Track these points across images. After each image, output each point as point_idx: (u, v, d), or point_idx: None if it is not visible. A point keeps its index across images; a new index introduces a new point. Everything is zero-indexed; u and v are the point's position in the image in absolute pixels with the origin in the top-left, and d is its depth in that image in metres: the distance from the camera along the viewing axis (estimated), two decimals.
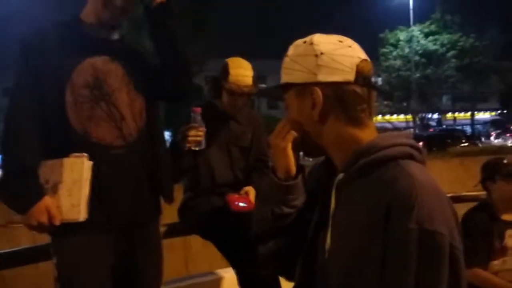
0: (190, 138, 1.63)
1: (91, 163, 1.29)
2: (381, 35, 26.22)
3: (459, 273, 0.71)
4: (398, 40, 25.46)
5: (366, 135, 0.83)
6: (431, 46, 24.69)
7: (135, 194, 1.39)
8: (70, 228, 1.27)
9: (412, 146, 0.81)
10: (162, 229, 1.90)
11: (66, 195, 1.27)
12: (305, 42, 0.85)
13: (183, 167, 1.88)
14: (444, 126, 31.22)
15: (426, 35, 25.10)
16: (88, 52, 1.36)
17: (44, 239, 1.40)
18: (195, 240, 4.62)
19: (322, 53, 0.82)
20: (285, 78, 0.87)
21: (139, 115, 1.42)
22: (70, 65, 1.33)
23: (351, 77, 0.82)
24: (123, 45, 1.47)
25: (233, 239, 1.83)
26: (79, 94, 1.32)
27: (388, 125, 32.61)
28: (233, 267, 1.86)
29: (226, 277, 2.06)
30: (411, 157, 0.79)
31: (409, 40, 24.92)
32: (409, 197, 0.71)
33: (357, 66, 0.82)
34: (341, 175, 0.82)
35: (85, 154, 1.29)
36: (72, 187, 1.27)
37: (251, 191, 1.93)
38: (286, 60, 0.87)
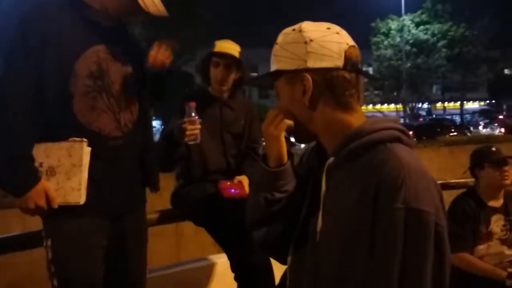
0: (188, 133, 1.65)
1: (89, 148, 1.30)
2: (372, 24, 26.20)
3: (443, 251, 0.73)
4: (389, 29, 25.47)
5: (355, 120, 0.85)
6: (422, 36, 24.75)
7: (129, 183, 1.43)
8: (65, 212, 1.28)
9: (399, 130, 0.83)
10: (155, 216, 1.92)
11: (64, 178, 1.28)
12: (294, 30, 0.87)
13: (177, 157, 1.89)
14: (433, 116, 31.53)
15: (417, 25, 25.13)
16: (93, 40, 1.35)
17: (36, 224, 1.40)
18: (187, 227, 4.64)
19: (311, 40, 0.83)
20: (275, 65, 0.88)
21: (134, 106, 1.44)
22: (76, 53, 1.31)
23: (339, 63, 0.83)
24: (124, 33, 1.48)
25: (226, 225, 1.85)
26: (83, 84, 1.32)
27: (379, 115, 32.73)
28: (226, 253, 1.88)
29: (219, 263, 2.09)
30: (398, 140, 0.82)
31: (400, 30, 24.94)
32: (397, 178, 0.73)
33: (345, 52, 0.84)
34: (331, 159, 0.84)
35: (85, 139, 1.30)
36: (70, 171, 1.28)
37: (244, 179, 1.95)
38: (276, 48, 0.88)
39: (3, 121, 1.26)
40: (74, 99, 1.31)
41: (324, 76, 0.83)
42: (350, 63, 0.84)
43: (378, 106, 29.45)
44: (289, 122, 0.89)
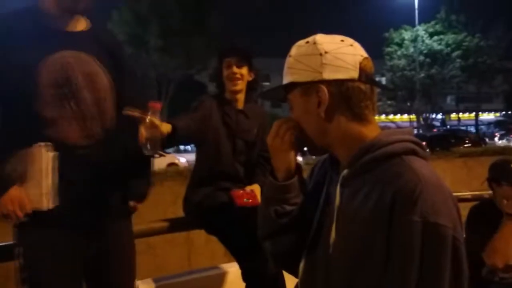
0: (145, 138, 1.32)
1: (52, 153, 1.27)
2: (386, 34, 26.14)
3: (461, 265, 0.72)
4: (403, 40, 25.37)
5: (370, 131, 0.85)
6: (436, 46, 24.58)
7: (101, 193, 1.37)
8: (35, 221, 1.27)
9: (414, 142, 0.83)
10: (166, 224, 1.93)
11: (33, 185, 1.27)
12: (307, 42, 0.88)
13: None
14: (448, 127, 31.11)
15: (431, 35, 24.99)
16: (55, 47, 1.30)
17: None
18: (198, 236, 4.64)
19: (326, 52, 0.84)
20: (289, 77, 0.88)
21: (105, 114, 1.37)
22: (36, 62, 1.28)
23: (355, 74, 0.84)
24: (91, 37, 1.39)
25: (238, 234, 1.85)
26: (46, 93, 1.29)
27: (392, 125, 32.52)
28: (238, 262, 1.87)
29: (230, 272, 2.08)
30: (414, 152, 0.81)
31: (414, 40, 24.82)
32: (413, 191, 0.72)
33: (360, 63, 0.84)
34: (345, 171, 0.84)
35: (48, 143, 1.27)
36: (38, 176, 1.27)
37: (256, 188, 1.95)
38: (290, 60, 0.88)
39: None
40: (38, 108, 1.29)
41: (340, 87, 0.84)
42: (364, 75, 0.84)
43: (391, 116, 29.22)
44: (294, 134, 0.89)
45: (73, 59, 1.33)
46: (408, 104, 26.82)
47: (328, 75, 0.83)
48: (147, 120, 1.30)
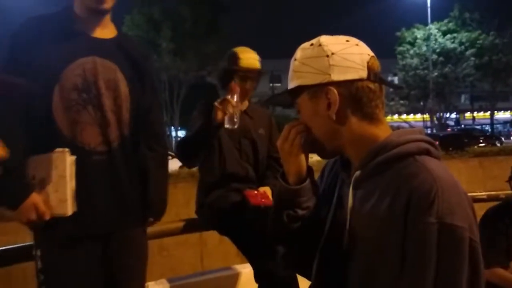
0: (228, 111, 1.70)
1: (73, 157, 1.29)
2: (398, 33, 25.88)
3: (477, 267, 0.71)
4: (416, 39, 25.08)
5: (382, 132, 0.84)
6: (449, 45, 24.23)
7: (117, 199, 1.38)
8: (53, 224, 1.28)
9: (427, 142, 0.82)
10: (180, 225, 1.94)
11: (53, 190, 1.28)
12: (312, 44, 0.86)
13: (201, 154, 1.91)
14: (462, 126, 30.65)
15: (444, 33, 24.65)
16: (79, 52, 1.33)
17: None
18: (211, 237, 4.66)
19: (333, 53, 0.83)
20: (296, 81, 0.87)
21: (122, 122, 1.39)
22: (60, 66, 1.30)
23: (363, 74, 0.83)
24: (117, 46, 1.42)
25: (251, 235, 1.85)
26: (67, 97, 1.30)
27: (405, 125, 32.18)
28: (251, 263, 1.88)
29: (243, 272, 2.09)
30: (427, 152, 0.80)
31: (427, 39, 24.51)
32: (429, 191, 0.71)
33: (368, 62, 0.84)
34: (357, 173, 0.83)
35: (67, 149, 1.28)
36: (58, 183, 1.28)
37: (268, 190, 1.96)
38: (296, 64, 0.87)
39: None
40: (58, 112, 1.30)
41: (349, 88, 0.82)
42: (373, 74, 0.84)
43: (404, 116, 28.91)
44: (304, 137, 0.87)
45: (97, 65, 1.35)
46: (421, 103, 26.50)
47: (337, 76, 0.82)
48: (230, 99, 1.69)
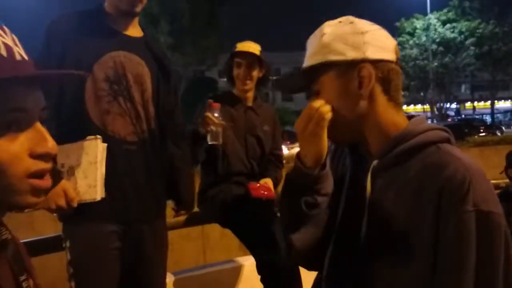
0: (210, 128, 1.70)
1: (105, 145, 1.32)
2: (397, 23, 25.75)
3: (509, 252, 0.71)
4: (415, 29, 24.96)
5: (402, 119, 0.82)
6: (449, 34, 24.11)
7: (145, 189, 1.42)
8: (81, 215, 1.31)
9: (445, 130, 0.81)
10: (182, 218, 1.95)
11: (82, 177, 1.30)
12: (341, 22, 0.82)
13: (200, 156, 1.93)
14: (462, 116, 30.59)
15: (444, 23, 24.51)
16: (110, 46, 1.39)
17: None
18: (213, 231, 4.68)
19: (366, 31, 0.79)
20: (324, 57, 0.80)
21: (152, 115, 1.44)
22: (92, 58, 1.35)
23: (393, 56, 0.81)
24: (144, 44, 1.48)
25: (253, 227, 1.87)
26: (99, 88, 1.35)
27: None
28: (253, 255, 1.90)
29: (245, 265, 2.10)
30: (448, 140, 0.79)
31: (426, 29, 24.38)
32: (463, 180, 0.71)
33: (395, 48, 0.82)
34: (376, 161, 0.80)
35: (99, 136, 1.31)
36: (87, 169, 1.30)
37: (269, 182, 1.98)
38: (324, 38, 0.80)
39: None
40: (90, 102, 1.34)
41: (382, 68, 0.79)
42: (398, 59, 0.82)
43: (404, 107, 28.83)
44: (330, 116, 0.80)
45: (126, 59, 1.40)
46: (422, 94, 26.43)
47: (372, 54, 0.78)
48: (211, 116, 1.68)
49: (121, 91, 1.39)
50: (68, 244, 1.35)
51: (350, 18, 0.82)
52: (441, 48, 24.16)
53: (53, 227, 1.56)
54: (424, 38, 24.50)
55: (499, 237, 0.70)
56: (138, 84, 1.42)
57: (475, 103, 33.86)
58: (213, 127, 1.68)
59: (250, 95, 2.06)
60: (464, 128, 16.67)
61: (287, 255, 0.93)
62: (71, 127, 1.34)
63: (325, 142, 0.82)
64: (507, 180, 2.28)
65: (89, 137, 1.32)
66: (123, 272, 1.40)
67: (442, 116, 26.29)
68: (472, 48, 23.88)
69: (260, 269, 1.84)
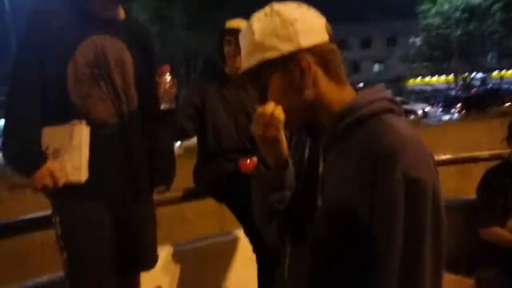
0: (161, 88, 1.54)
1: (89, 128, 1.38)
2: None
3: (439, 220, 0.73)
4: None
5: (347, 94, 0.84)
6: (474, 0, 23.02)
7: (128, 169, 1.47)
8: (71, 192, 1.38)
9: (389, 100, 0.83)
10: (179, 194, 2.02)
11: (67, 159, 1.37)
12: (266, 14, 0.82)
13: (186, 131, 1.96)
14: (489, 86, 29.46)
15: None
16: (91, 30, 1.41)
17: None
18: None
19: (295, 19, 0.80)
20: (260, 56, 0.82)
21: (134, 97, 1.48)
22: (74, 42, 1.38)
23: (326, 37, 0.82)
24: (126, 27, 1.50)
25: (244, 202, 1.91)
26: (80, 72, 1.38)
27: (428, 87, 31.14)
28: (243, 227, 1.96)
29: (241, 237, 2.16)
30: (390, 111, 0.81)
31: None
32: (395, 149, 0.73)
33: (326, 26, 0.83)
34: (326, 138, 0.84)
35: (83, 121, 1.37)
36: (72, 152, 1.37)
37: None
38: (256, 38, 0.81)
39: (16, 107, 1.38)
40: (71, 86, 1.38)
41: (318, 52, 0.81)
42: (331, 36, 0.83)
43: (427, 79, 28.01)
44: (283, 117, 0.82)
45: (107, 43, 1.42)
46: (445, 65, 25.56)
47: (305, 42, 0.79)
48: (166, 79, 1.54)
49: (102, 75, 1.41)
50: (57, 219, 1.41)
51: (275, 7, 0.82)
52: (465, 15, 23.13)
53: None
54: (447, 6, 23.48)
55: (427, 204, 0.72)
56: (119, 68, 1.45)
57: (503, 72, 32.49)
58: (161, 90, 1.56)
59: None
60: (488, 99, 16.10)
61: (266, 240, 0.98)
62: (55, 110, 1.39)
63: (284, 142, 0.85)
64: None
65: (74, 121, 1.37)
66: (114, 246, 1.46)
67: (466, 86, 25.42)
68: (498, 14, 22.75)
69: (251, 239, 1.90)
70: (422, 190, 0.72)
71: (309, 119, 0.86)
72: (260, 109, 0.83)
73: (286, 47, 0.80)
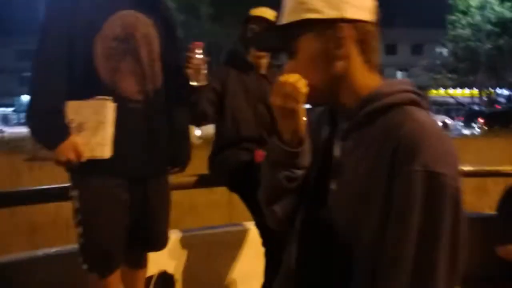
0: (191, 65, 1.51)
1: (114, 105, 1.38)
2: (450, 1, 24.22)
3: (458, 215, 0.70)
4: (469, 7, 23.39)
5: (375, 82, 0.81)
6: (508, 14, 22.42)
7: (150, 146, 1.48)
8: (90, 167, 1.38)
9: (416, 93, 0.80)
10: (192, 179, 2.02)
11: (91, 134, 1.37)
12: None
13: (206, 115, 1.95)
14: None
15: (502, 0, 22.79)
16: (119, 5, 1.42)
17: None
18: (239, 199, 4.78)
19: None
20: (302, 14, 0.78)
21: (158, 75, 1.48)
22: (102, 17, 1.39)
23: (372, 17, 0.79)
24: (151, 4, 1.51)
25: (256, 193, 1.89)
26: (108, 46, 1.39)
27: (451, 100, 30.56)
28: (254, 219, 1.94)
29: (251, 229, 2.15)
30: (415, 103, 0.79)
31: (482, 7, 22.79)
32: (415, 140, 0.70)
33: (374, 7, 0.80)
34: (346, 123, 0.81)
35: (110, 98, 1.38)
36: (96, 128, 1.37)
37: None
38: None
39: (42, 79, 1.39)
40: (98, 60, 1.38)
41: (360, 28, 0.77)
42: (377, 20, 0.80)
43: (451, 91, 27.50)
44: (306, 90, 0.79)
45: (134, 18, 1.43)
46: (471, 78, 25.02)
47: (350, 13, 0.76)
48: (197, 55, 1.52)
49: (129, 50, 1.42)
50: (76, 193, 1.42)
51: None
52: (496, 29, 22.57)
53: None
54: (478, 18, 22.94)
55: (445, 199, 0.69)
56: (146, 43, 1.46)
57: None
58: (192, 66, 1.52)
59: (264, 62, 2.05)
60: None
61: (269, 222, 0.96)
62: (81, 84, 1.40)
63: (302, 117, 0.82)
64: None
65: (99, 97, 1.37)
66: (128, 224, 1.47)
67: (490, 102, 24.85)
68: None
69: (260, 233, 1.88)
70: (442, 185, 0.68)
71: (330, 98, 0.83)
72: (282, 78, 0.79)
73: (330, 12, 0.76)
